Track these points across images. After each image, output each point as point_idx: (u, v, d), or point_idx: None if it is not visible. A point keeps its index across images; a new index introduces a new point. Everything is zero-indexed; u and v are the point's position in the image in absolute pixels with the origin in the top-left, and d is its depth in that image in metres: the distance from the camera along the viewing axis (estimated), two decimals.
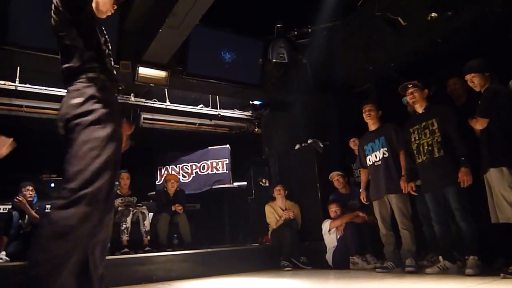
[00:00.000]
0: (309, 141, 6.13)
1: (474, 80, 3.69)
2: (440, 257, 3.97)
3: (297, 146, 6.41)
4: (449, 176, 3.79)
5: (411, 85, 4.17)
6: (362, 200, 4.86)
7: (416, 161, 4.15)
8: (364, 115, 4.79)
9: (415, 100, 4.17)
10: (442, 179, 3.85)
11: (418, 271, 4.11)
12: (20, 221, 5.46)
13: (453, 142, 3.86)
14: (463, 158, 3.75)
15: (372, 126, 4.80)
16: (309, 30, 6.36)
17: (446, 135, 3.90)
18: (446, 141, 3.90)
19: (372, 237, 4.94)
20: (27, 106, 5.96)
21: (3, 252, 5.12)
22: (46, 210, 5.64)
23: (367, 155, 4.77)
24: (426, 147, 4.02)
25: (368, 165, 4.78)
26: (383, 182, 4.52)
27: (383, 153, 4.58)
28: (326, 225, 5.28)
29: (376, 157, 4.66)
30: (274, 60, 6.16)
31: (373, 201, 4.68)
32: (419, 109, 4.19)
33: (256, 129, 8.01)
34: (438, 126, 3.96)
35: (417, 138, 4.14)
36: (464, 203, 3.75)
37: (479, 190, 3.68)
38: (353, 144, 5.64)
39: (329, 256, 5.20)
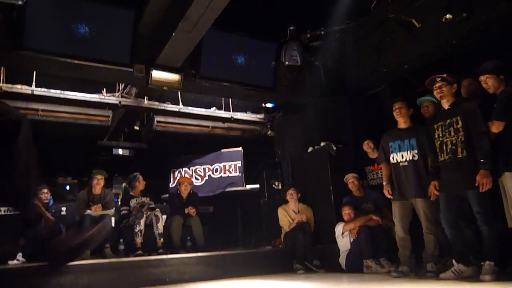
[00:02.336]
0: (322, 144, 6.10)
1: (487, 82, 3.64)
2: (454, 261, 3.87)
3: (310, 149, 6.38)
4: (471, 179, 3.59)
5: (439, 79, 3.88)
6: (387, 193, 4.60)
7: (438, 159, 3.97)
8: (394, 113, 4.60)
9: (443, 95, 3.90)
10: (463, 182, 3.68)
11: (438, 275, 3.99)
12: None
13: (473, 142, 3.67)
14: (482, 160, 3.57)
15: (402, 124, 4.60)
16: (322, 32, 6.33)
17: (470, 134, 3.70)
18: (470, 141, 3.68)
19: (386, 241, 4.90)
20: (43, 110, 6.09)
21: (20, 254, 5.19)
22: (62, 213, 5.71)
23: (392, 152, 4.58)
24: (450, 146, 3.82)
25: (390, 162, 4.60)
26: (411, 185, 4.37)
27: (413, 156, 4.40)
28: (339, 228, 5.25)
29: (402, 157, 4.48)
30: (287, 63, 6.15)
31: (394, 201, 4.54)
32: (445, 104, 3.94)
33: (269, 132, 8.03)
34: (462, 125, 3.75)
35: (440, 135, 3.93)
36: (486, 207, 3.60)
37: (495, 194, 3.62)
38: (367, 146, 5.60)
39: (342, 260, 5.17)
